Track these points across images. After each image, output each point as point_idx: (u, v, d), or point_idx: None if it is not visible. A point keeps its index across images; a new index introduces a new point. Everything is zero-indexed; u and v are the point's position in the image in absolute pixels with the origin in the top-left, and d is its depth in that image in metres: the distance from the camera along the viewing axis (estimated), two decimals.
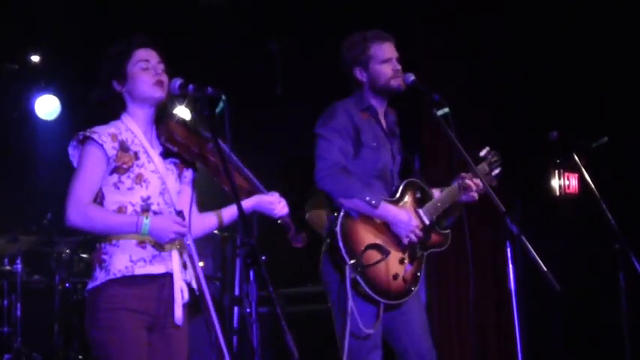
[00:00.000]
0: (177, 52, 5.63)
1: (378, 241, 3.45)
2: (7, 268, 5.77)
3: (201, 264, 5.75)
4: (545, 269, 3.01)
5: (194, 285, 2.91)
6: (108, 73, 2.90)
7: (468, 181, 3.61)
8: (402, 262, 3.49)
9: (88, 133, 2.80)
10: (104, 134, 2.81)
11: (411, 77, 3.52)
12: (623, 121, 5.77)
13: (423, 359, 3.51)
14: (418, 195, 3.62)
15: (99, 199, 2.82)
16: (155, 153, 2.89)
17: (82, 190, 2.77)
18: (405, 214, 3.48)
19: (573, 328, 6.25)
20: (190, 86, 2.84)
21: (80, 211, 2.74)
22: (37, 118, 6.64)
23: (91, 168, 2.79)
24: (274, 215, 3.02)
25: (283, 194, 3.08)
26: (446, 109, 3.36)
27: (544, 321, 6.13)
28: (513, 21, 6.07)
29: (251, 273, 2.63)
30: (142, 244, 2.80)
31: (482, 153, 3.82)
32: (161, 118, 2.93)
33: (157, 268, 2.81)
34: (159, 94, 2.88)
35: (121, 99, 2.90)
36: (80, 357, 5.63)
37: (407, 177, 3.68)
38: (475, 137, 5.84)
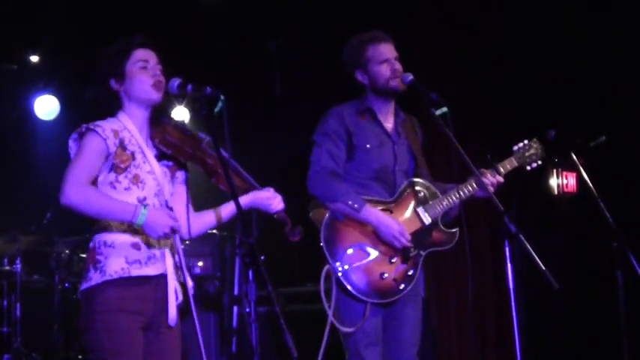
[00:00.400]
0: (177, 52, 5.66)
1: (364, 242, 3.48)
2: (7, 268, 5.78)
3: (200, 263, 5.77)
4: (544, 268, 3.02)
5: (188, 286, 2.90)
6: (106, 71, 2.89)
7: (483, 178, 3.57)
8: (391, 261, 3.50)
9: (91, 127, 2.79)
10: (107, 129, 2.80)
11: (409, 77, 3.53)
12: (621, 120, 5.78)
13: None
14: (421, 194, 3.62)
15: None
16: (150, 154, 2.89)
17: (81, 171, 2.74)
18: (388, 220, 3.48)
19: (572, 326, 6.25)
20: (189, 86, 2.84)
21: (78, 189, 2.69)
22: (36, 118, 6.65)
23: (91, 156, 2.76)
24: (270, 210, 3.03)
25: (282, 194, 3.09)
26: (444, 109, 3.37)
27: (543, 319, 6.14)
28: (512, 21, 6.07)
29: (250, 272, 2.64)
30: (136, 245, 2.79)
31: (516, 147, 3.80)
32: (156, 119, 2.93)
33: (152, 270, 2.81)
34: (156, 96, 2.88)
35: (117, 98, 2.90)
36: (80, 357, 5.64)
37: (417, 176, 3.67)
38: (474, 137, 5.86)
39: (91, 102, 2.90)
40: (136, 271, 2.77)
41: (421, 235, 3.57)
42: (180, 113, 6.82)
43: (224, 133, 2.73)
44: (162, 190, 2.89)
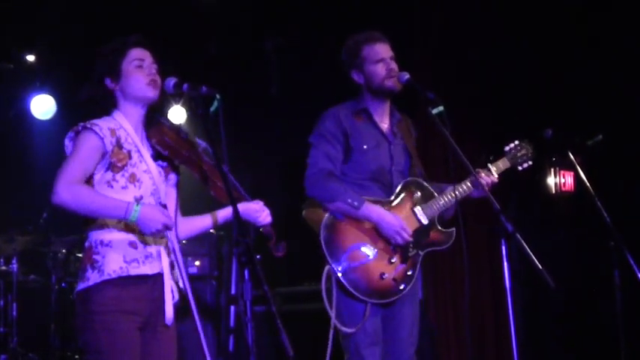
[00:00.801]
0: (174, 51, 5.67)
1: (364, 241, 3.48)
2: (3, 267, 5.77)
3: (197, 263, 5.77)
4: (540, 267, 3.01)
5: (181, 285, 2.90)
6: (101, 70, 2.89)
7: (481, 179, 3.58)
8: (390, 261, 3.50)
9: (88, 125, 2.78)
10: (104, 128, 2.80)
11: (406, 76, 3.53)
12: (617, 119, 5.78)
13: None
14: (418, 194, 3.63)
15: None
16: (147, 153, 2.89)
17: (74, 169, 2.72)
18: (389, 215, 3.49)
19: (569, 325, 6.26)
20: (185, 85, 2.84)
21: (71, 187, 2.68)
22: (32, 117, 6.63)
23: (86, 154, 2.75)
24: (257, 223, 3.03)
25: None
26: (440, 108, 3.36)
27: (540, 318, 6.14)
28: (509, 20, 6.07)
29: (246, 272, 2.63)
30: (132, 244, 2.79)
31: (507, 147, 3.82)
32: (152, 120, 2.92)
33: (150, 269, 2.80)
34: (152, 93, 2.88)
35: (112, 97, 2.90)
36: (77, 357, 5.63)
37: (413, 176, 3.67)
38: (471, 136, 5.86)
39: (87, 101, 2.89)
40: (134, 270, 2.76)
41: (419, 234, 3.58)
42: (178, 113, 6.82)
43: (220, 132, 2.73)
44: (158, 189, 2.88)
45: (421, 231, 3.58)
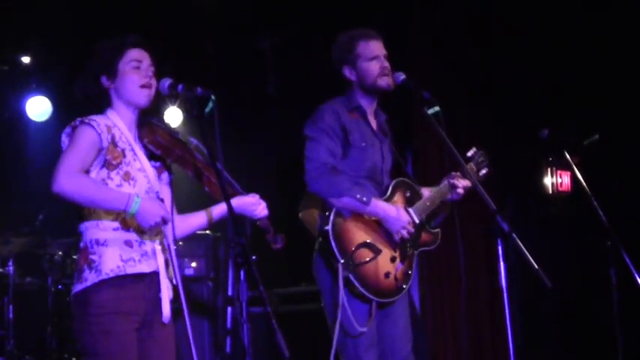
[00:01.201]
0: (170, 51, 5.66)
1: (370, 240, 3.45)
2: (0, 270, 5.75)
3: (193, 264, 5.76)
4: (537, 266, 3.01)
5: (175, 282, 2.89)
6: (97, 67, 2.87)
7: (455, 181, 3.61)
8: (393, 260, 3.49)
9: (86, 120, 2.77)
10: (102, 124, 2.79)
11: (402, 76, 3.52)
12: (614, 119, 5.79)
13: None
14: (408, 194, 3.63)
15: None
16: (140, 151, 2.89)
17: (73, 161, 2.70)
18: (397, 210, 3.48)
19: (566, 325, 6.26)
20: (180, 86, 2.84)
21: (71, 177, 2.65)
22: (28, 119, 6.62)
23: (84, 147, 2.74)
24: (254, 217, 3.01)
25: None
26: (436, 108, 3.36)
27: (537, 317, 6.15)
28: (506, 20, 6.07)
29: (242, 273, 2.63)
30: (128, 242, 2.78)
31: (470, 153, 3.82)
32: (144, 120, 2.91)
33: (146, 267, 2.80)
34: (144, 101, 2.87)
35: (106, 95, 2.89)
36: (74, 359, 5.61)
37: (397, 176, 3.67)
38: (467, 136, 5.85)
39: (81, 97, 2.88)
40: (131, 269, 2.76)
41: (414, 234, 3.57)
42: (174, 114, 6.81)
43: (215, 133, 2.72)
44: (153, 187, 2.88)
45: (416, 231, 3.58)
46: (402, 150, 6.00)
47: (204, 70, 6.10)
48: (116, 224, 2.78)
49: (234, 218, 2.68)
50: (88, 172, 2.77)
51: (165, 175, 2.98)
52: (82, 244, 2.81)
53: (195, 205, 3.10)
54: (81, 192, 2.67)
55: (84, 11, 5.97)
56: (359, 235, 3.43)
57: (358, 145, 3.54)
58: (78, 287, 2.76)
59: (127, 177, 2.82)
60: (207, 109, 2.75)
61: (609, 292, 3.89)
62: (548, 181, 6.50)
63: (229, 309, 5.55)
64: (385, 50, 3.61)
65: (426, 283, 6.10)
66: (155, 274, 2.82)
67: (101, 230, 2.78)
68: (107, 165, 2.79)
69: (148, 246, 2.82)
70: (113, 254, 2.75)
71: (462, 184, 3.62)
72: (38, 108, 6.61)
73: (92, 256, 2.75)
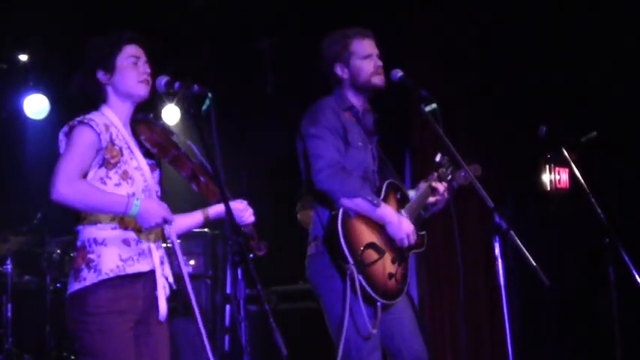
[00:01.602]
0: (168, 50, 5.65)
1: (375, 240, 3.42)
2: None
3: (192, 262, 5.76)
4: (535, 264, 3.00)
5: (170, 280, 2.89)
6: (94, 61, 2.86)
7: (434, 184, 3.61)
8: (394, 261, 3.47)
9: (85, 120, 2.76)
10: (100, 123, 2.77)
11: (399, 73, 3.47)
12: (612, 115, 5.78)
13: (418, 358, 3.49)
14: (398, 196, 3.60)
15: None
16: (137, 149, 2.88)
17: (72, 166, 2.68)
18: (401, 218, 3.46)
19: (565, 322, 6.26)
20: (176, 84, 2.83)
21: (70, 183, 2.64)
22: (25, 117, 6.61)
23: (83, 150, 2.72)
24: (241, 223, 3.00)
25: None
26: (434, 105, 3.34)
27: (535, 315, 6.14)
28: (503, 17, 6.07)
29: (239, 271, 2.63)
30: (126, 241, 2.77)
31: (437, 158, 3.78)
32: (139, 117, 2.91)
33: (144, 266, 2.80)
34: (143, 91, 2.87)
35: (102, 90, 2.87)
36: (72, 358, 5.61)
37: (384, 177, 3.64)
38: (465, 134, 5.86)
39: (76, 91, 2.87)
40: (130, 269, 2.75)
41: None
42: (172, 112, 6.80)
43: (212, 131, 2.72)
44: (149, 185, 2.87)
45: None
46: (399, 148, 6.02)
47: (203, 69, 6.08)
48: (114, 224, 2.78)
49: (233, 218, 2.67)
50: (86, 174, 2.76)
51: (156, 174, 2.97)
52: (79, 243, 2.79)
53: (189, 204, 3.09)
54: (80, 199, 2.66)
55: (82, 9, 5.96)
56: (366, 235, 3.40)
57: (355, 144, 3.50)
58: (75, 286, 2.73)
59: (125, 176, 2.81)
60: (204, 107, 2.74)
61: (608, 290, 3.89)
62: (546, 178, 6.49)
63: (227, 307, 5.55)
64: (377, 49, 3.57)
65: (425, 283, 6.09)
66: (151, 273, 2.81)
67: (99, 229, 2.77)
68: (105, 164, 2.78)
69: (144, 244, 2.82)
70: (112, 254, 2.74)
71: (442, 187, 3.62)
72: (36, 106, 6.60)
73: (90, 255, 2.74)
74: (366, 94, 3.59)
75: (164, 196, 2.97)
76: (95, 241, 2.76)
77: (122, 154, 2.81)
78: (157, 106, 6.54)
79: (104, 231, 2.77)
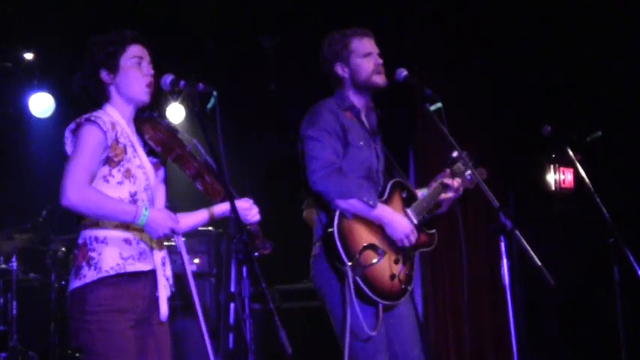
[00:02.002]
0: (171, 49, 5.65)
1: (374, 241, 3.40)
2: (3, 266, 5.76)
3: (196, 261, 5.76)
4: (540, 264, 3.00)
5: (171, 282, 2.88)
6: (98, 61, 2.84)
7: (447, 180, 3.59)
8: (397, 262, 3.46)
9: (92, 118, 2.74)
10: (107, 122, 2.76)
11: (404, 72, 3.46)
12: (617, 115, 5.78)
13: None
14: (404, 195, 3.58)
15: None
16: (140, 148, 2.87)
17: (81, 170, 2.68)
18: (402, 218, 3.44)
19: (569, 322, 6.25)
20: (182, 82, 2.83)
21: (80, 191, 2.64)
22: (31, 115, 6.62)
23: (92, 150, 2.71)
24: (246, 221, 2.99)
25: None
26: (439, 104, 3.33)
27: (540, 315, 6.14)
28: (506, 17, 6.06)
29: (244, 269, 2.63)
30: (127, 240, 2.77)
31: (454, 154, 3.77)
32: (144, 115, 2.90)
33: (144, 265, 2.79)
34: (146, 98, 2.86)
35: (105, 89, 2.86)
36: (77, 355, 5.62)
37: (387, 176, 3.63)
38: (470, 133, 5.85)
39: (78, 90, 2.86)
40: (131, 267, 2.75)
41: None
42: (176, 110, 6.81)
43: (217, 129, 2.72)
44: (151, 184, 2.87)
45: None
46: (403, 147, 6.02)
47: (206, 68, 6.09)
48: (116, 224, 2.77)
49: (238, 217, 2.67)
50: (95, 174, 2.75)
51: (161, 172, 2.96)
52: (80, 241, 2.79)
53: (193, 203, 3.09)
54: (89, 207, 2.67)
55: (87, 8, 5.97)
56: (363, 236, 3.38)
57: (356, 144, 3.48)
58: (76, 284, 2.73)
59: (128, 174, 2.80)
60: (209, 106, 2.74)
61: (612, 290, 3.88)
62: (550, 178, 6.49)
63: (232, 305, 5.55)
64: (377, 48, 3.56)
65: (429, 283, 6.08)
66: (152, 273, 2.81)
67: (101, 228, 2.77)
68: (109, 162, 2.77)
69: (146, 245, 2.82)
70: (113, 252, 2.73)
71: (456, 183, 3.59)
72: (41, 104, 6.61)
73: (91, 253, 2.74)
74: (367, 93, 3.57)
75: (169, 194, 2.97)
76: (96, 239, 2.75)
77: (126, 152, 2.80)
78: (162, 104, 6.55)
79: (106, 230, 2.76)
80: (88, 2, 5.98)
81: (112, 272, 2.71)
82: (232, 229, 2.61)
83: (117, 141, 2.79)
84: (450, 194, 3.60)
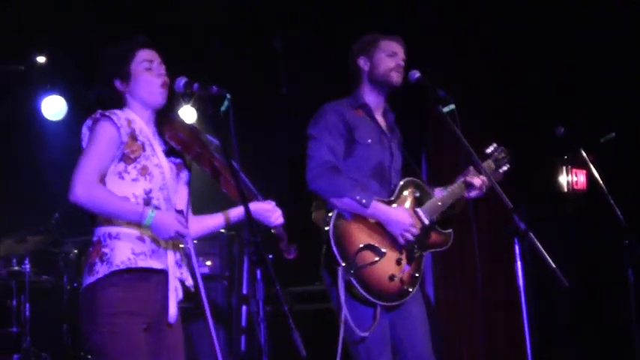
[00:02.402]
0: (183, 51, 5.66)
1: (373, 242, 3.40)
2: (16, 268, 5.78)
3: (208, 263, 5.76)
4: (554, 266, 2.99)
5: (188, 283, 2.89)
6: (110, 71, 2.88)
7: (470, 179, 3.58)
8: (399, 262, 3.45)
9: (107, 113, 2.78)
10: (122, 118, 2.80)
11: (417, 74, 3.49)
12: (630, 116, 5.75)
13: None
14: (417, 194, 3.58)
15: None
16: (159, 147, 2.89)
17: (92, 167, 2.72)
18: (399, 212, 3.43)
19: (582, 324, 6.22)
20: (195, 85, 2.84)
21: (88, 188, 2.68)
22: (43, 118, 6.65)
23: (104, 147, 2.75)
24: (269, 224, 2.99)
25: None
26: (452, 106, 3.34)
27: (553, 317, 6.11)
28: (519, 17, 6.04)
29: (258, 272, 2.62)
30: (140, 238, 2.78)
31: (489, 150, 3.79)
32: (164, 115, 2.92)
33: (157, 263, 2.80)
34: (161, 100, 2.89)
35: (121, 98, 2.89)
36: (89, 357, 5.64)
37: (407, 176, 3.63)
38: (482, 134, 5.83)
39: (95, 102, 2.89)
40: (142, 263, 2.76)
41: (422, 235, 3.52)
42: (188, 113, 6.81)
43: (231, 132, 2.72)
44: (167, 184, 2.87)
45: (423, 232, 3.52)
46: (415, 149, 6.01)
47: (217, 70, 6.09)
48: (129, 223, 2.79)
49: (251, 218, 2.67)
50: (105, 174, 2.77)
51: (184, 174, 2.98)
52: (95, 239, 2.81)
53: (210, 205, 3.09)
54: (96, 205, 2.71)
55: (99, 10, 5.99)
56: (361, 237, 3.39)
57: (364, 142, 3.50)
58: (89, 280, 2.75)
59: (144, 171, 2.81)
60: (222, 108, 2.75)
61: (626, 292, 3.86)
62: (563, 179, 6.47)
63: (244, 308, 5.55)
64: (404, 55, 3.60)
65: (441, 283, 6.07)
66: (164, 273, 2.81)
67: (114, 225, 2.79)
68: (125, 158, 2.79)
69: (159, 244, 2.82)
70: (125, 247, 2.75)
71: (479, 181, 3.58)
72: (53, 107, 6.63)
73: (104, 249, 2.76)
74: (383, 92, 3.61)
75: (192, 196, 2.96)
76: (110, 235, 2.78)
77: (144, 150, 2.83)
78: (174, 107, 6.56)
79: (119, 227, 2.78)
80: (99, 5, 6.00)
81: (122, 266, 2.72)
82: (246, 232, 2.61)
83: (134, 138, 2.81)
84: (473, 193, 3.59)
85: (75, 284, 5.76)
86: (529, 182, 6.16)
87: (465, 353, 6.07)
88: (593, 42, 5.90)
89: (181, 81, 2.87)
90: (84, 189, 2.68)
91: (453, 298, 6.11)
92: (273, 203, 3.02)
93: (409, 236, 3.42)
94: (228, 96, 2.76)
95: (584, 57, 5.97)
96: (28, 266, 5.71)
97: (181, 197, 2.95)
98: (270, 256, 2.64)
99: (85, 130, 2.83)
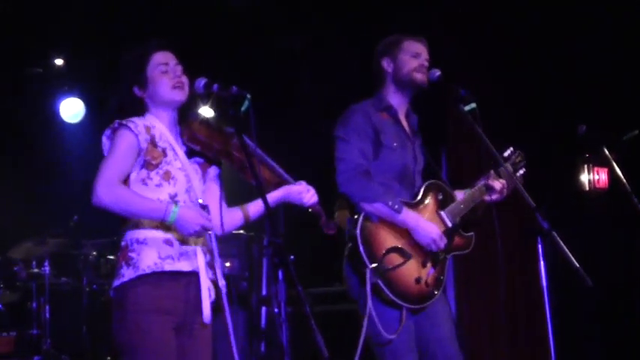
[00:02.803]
0: (203, 52, 5.66)
1: (399, 244, 3.38)
2: (35, 270, 5.82)
3: (227, 264, 5.76)
4: (577, 265, 2.96)
5: (220, 284, 2.88)
6: (128, 79, 2.90)
7: (491, 182, 3.55)
8: (424, 265, 3.43)
9: (124, 122, 2.80)
10: (140, 125, 2.81)
11: (437, 73, 3.47)
12: None
13: None
14: (440, 197, 3.55)
15: None
16: (181, 151, 2.90)
17: (113, 170, 2.75)
18: (428, 223, 3.42)
19: (605, 324, 6.17)
20: (215, 85, 2.83)
21: (110, 189, 2.71)
22: (61, 121, 6.69)
23: (124, 153, 2.78)
24: (304, 204, 3.00)
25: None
26: (473, 105, 3.31)
27: (576, 316, 6.06)
28: (539, 17, 6.00)
29: (280, 273, 2.61)
30: (168, 241, 2.79)
31: (506, 153, 3.76)
32: (183, 118, 2.93)
33: (185, 265, 2.80)
34: (179, 97, 2.89)
35: (142, 104, 2.91)
36: (108, 358, 5.66)
37: (428, 178, 3.61)
38: (503, 133, 5.78)
39: (117, 110, 2.90)
40: (169, 266, 2.75)
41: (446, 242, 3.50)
42: (206, 113, 6.81)
43: (251, 132, 2.71)
44: (193, 186, 2.88)
45: (447, 235, 3.49)
46: (435, 150, 5.98)
47: (238, 70, 6.09)
48: (156, 224, 2.79)
49: (272, 217, 2.66)
50: (127, 175, 2.79)
51: (212, 170, 2.99)
52: (123, 243, 2.83)
53: (242, 195, 3.07)
54: (119, 204, 2.72)
55: (116, 12, 6.01)
56: (388, 239, 3.36)
57: (390, 145, 3.48)
58: (116, 282, 2.77)
59: (168, 176, 2.82)
60: (243, 109, 2.74)
61: None
62: (584, 178, 6.41)
63: (264, 309, 5.54)
64: (428, 55, 3.58)
65: (462, 284, 6.03)
66: (194, 275, 2.81)
67: (142, 230, 2.79)
68: (147, 165, 2.81)
69: (189, 247, 2.82)
70: (151, 252, 2.76)
71: (499, 185, 3.56)
72: (71, 110, 6.68)
73: (131, 254, 2.77)
74: (407, 93, 3.58)
75: (225, 190, 2.96)
76: (137, 240, 2.79)
77: (165, 155, 2.84)
78: (193, 107, 6.55)
79: (146, 230, 2.79)
80: (117, 8, 6.01)
81: (148, 271, 2.73)
82: (267, 232, 2.60)
83: (154, 144, 2.82)
84: (494, 197, 3.56)
85: (94, 286, 5.78)
86: (550, 181, 6.11)
87: (488, 354, 6.03)
88: (616, 40, 5.85)
89: (201, 82, 2.86)
90: (106, 189, 2.70)
91: (474, 299, 6.07)
92: (303, 183, 3.02)
93: (434, 248, 3.41)
94: (249, 96, 2.75)
95: (607, 54, 5.92)
96: (47, 268, 5.74)
97: (212, 194, 2.94)
98: (292, 257, 2.62)
99: (105, 140, 2.86)
